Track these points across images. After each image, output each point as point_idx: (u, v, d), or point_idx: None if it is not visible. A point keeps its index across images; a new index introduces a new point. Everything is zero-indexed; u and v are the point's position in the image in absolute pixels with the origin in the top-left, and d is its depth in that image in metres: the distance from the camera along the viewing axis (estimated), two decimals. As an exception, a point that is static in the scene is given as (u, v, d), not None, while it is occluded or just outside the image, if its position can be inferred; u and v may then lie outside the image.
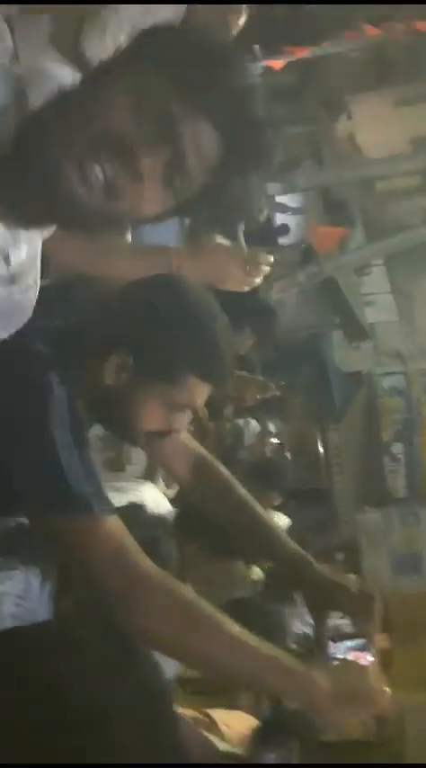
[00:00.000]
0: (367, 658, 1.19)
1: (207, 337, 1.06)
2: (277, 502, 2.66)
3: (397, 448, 4.61)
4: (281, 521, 2.44)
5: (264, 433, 3.89)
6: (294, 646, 1.91)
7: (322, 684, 0.95)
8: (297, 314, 4.64)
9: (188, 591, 1.00)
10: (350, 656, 1.21)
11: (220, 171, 0.77)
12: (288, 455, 4.27)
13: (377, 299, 4.78)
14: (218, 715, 1.81)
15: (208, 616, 0.97)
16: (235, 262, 1.18)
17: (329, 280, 4.49)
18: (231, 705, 1.90)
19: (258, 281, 1.17)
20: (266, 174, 0.82)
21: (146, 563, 0.98)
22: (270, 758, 1.40)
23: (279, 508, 2.90)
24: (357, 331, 4.70)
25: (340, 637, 1.25)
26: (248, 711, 1.92)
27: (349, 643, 1.25)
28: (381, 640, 4.09)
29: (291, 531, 2.88)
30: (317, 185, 4.26)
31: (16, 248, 0.83)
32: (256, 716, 1.90)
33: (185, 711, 1.66)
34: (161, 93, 0.74)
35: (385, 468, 4.62)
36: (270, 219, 3.74)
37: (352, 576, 1.26)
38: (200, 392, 1.09)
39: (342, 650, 1.21)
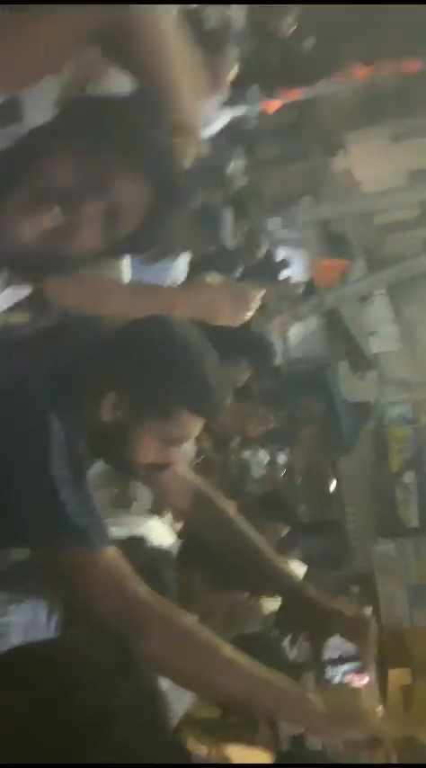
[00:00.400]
0: (360, 680, 1.21)
1: (196, 373, 1.12)
2: (284, 533, 2.66)
3: (408, 477, 4.59)
4: (299, 570, 2.44)
5: (273, 465, 3.90)
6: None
7: (316, 705, 0.98)
8: (302, 346, 4.69)
9: (185, 617, 1.02)
10: (346, 679, 1.23)
11: (150, 213, 0.92)
12: (298, 486, 4.27)
13: (380, 329, 4.82)
14: (234, 752, 1.79)
15: (205, 641, 1.00)
16: (224, 298, 1.22)
17: (332, 311, 4.54)
18: (248, 741, 1.88)
19: (249, 315, 1.21)
20: (184, 213, 0.98)
21: (143, 591, 1.01)
22: None
23: (289, 540, 2.89)
24: (362, 361, 4.73)
25: (337, 661, 1.26)
26: (266, 748, 1.89)
27: (345, 667, 1.27)
28: (401, 675, 4.02)
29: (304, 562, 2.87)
30: (317, 220, 4.35)
31: None
32: (274, 752, 1.88)
33: (199, 749, 1.65)
34: (97, 154, 0.89)
35: (396, 497, 4.58)
36: (270, 254, 3.81)
37: (346, 600, 1.30)
38: (193, 426, 1.13)
39: (340, 674, 1.23)
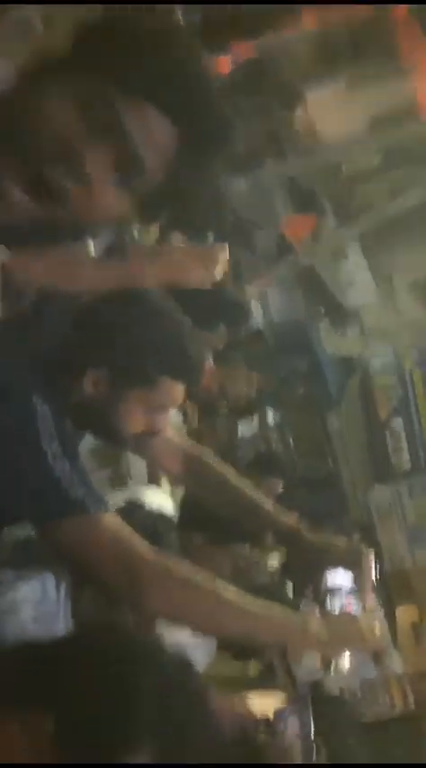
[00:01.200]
0: (357, 605, 1.30)
1: (172, 341, 1.15)
2: (280, 489, 2.71)
3: (397, 423, 4.67)
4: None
5: (264, 427, 3.95)
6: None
7: (318, 633, 1.07)
8: (282, 308, 4.71)
9: (185, 566, 1.07)
10: (346, 609, 1.32)
11: (181, 162, 0.71)
12: (291, 444, 4.33)
13: (357, 283, 4.84)
14: (256, 700, 1.86)
15: (206, 587, 1.06)
16: (191, 259, 1.24)
17: (308, 270, 4.55)
18: (267, 685, 1.94)
19: (219, 274, 1.23)
20: (229, 159, 0.77)
21: (143, 547, 1.06)
22: (293, 722, 1.47)
23: (286, 497, 2.94)
24: (341, 317, 4.76)
25: (335, 593, 1.35)
26: (285, 692, 1.96)
27: (344, 599, 1.35)
28: (409, 612, 4.15)
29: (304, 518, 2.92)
30: (282, 177, 4.33)
31: None
32: (293, 696, 1.94)
33: (222, 701, 1.71)
34: (103, 92, 0.69)
35: (388, 444, 4.67)
36: (239, 216, 3.80)
37: (341, 537, 1.39)
38: (176, 392, 1.18)
39: (339, 605, 1.31)
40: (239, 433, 3.27)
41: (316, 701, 1.94)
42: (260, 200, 4.33)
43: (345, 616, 1.27)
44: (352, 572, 1.33)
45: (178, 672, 0.74)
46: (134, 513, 1.35)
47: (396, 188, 4.44)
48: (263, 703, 1.86)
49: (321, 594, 1.33)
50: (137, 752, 0.68)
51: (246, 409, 3.29)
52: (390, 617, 3.85)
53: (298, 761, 1.43)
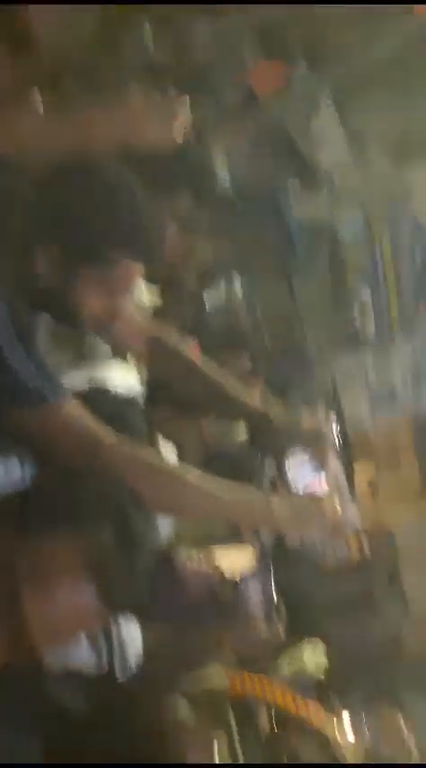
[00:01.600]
0: (322, 488, 1.35)
1: (127, 215, 1.07)
2: (247, 365, 2.69)
3: (364, 293, 4.65)
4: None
5: (231, 298, 3.87)
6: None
7: (282, 512, 1.11)
8: (249, 168, 4.46)
9: (148, 452, 1.09)
10: (308, 483, 1.37)
11: None
12: (259, 315, 4.29)
13: (328, 141, 4.59)
14: (222, 555, 1.92)
15: (170, 471, 1.09)
16: (148, 112, 1.12)
17: (277, 127, 4.28)
18: (232, 541, 2.01)
19: (179, 128, 1.12)
20: None
21: (106, 434, 1.06)
22: (257, 587, 1.55)
23: (254, 371, 2.93)
24: (312, 179, 4.56)
25: (299, 474, 1.39)
26: (250, 545, 2.03)
27: (307, 479, 1.39)
28: (366, 469, 4.42)
29: (271, 387, 2.94)
30: (248, 20, 3.95)
31: None
32: (257, 549, 2.02)
33: (189, 558, 1.76)
34: None
35: (354, 313, 4.68)
36: (200, 65, 3.49)
37: (305, 414, 1.43)
38: (133, 271, 1.12)
39: (303, 486, 1.35)
40: (206, 308, 3.20)
41: (278, 555, 2.04)
42: (226, 48, 3.97)
43: (309, 497, 1.30)
44: (316, 451, 1.36)
45: (142, 527, 0.78)
46: (98, 398, 1.30)
47: (371, 36, 4.11)
48: (231, 560, 1.94)
49: (285, 475, 1.36)
50: None
51: (212, 280, 3.20)
52: (349, 476, 4.06)
53: (261, 623, 1.51)
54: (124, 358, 2.06)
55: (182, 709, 1.35)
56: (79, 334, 1.96)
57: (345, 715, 2.40)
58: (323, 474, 1.37)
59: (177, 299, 2.73)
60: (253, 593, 1.43)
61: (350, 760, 2.11)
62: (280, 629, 1.66)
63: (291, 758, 1.92)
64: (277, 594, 1.50)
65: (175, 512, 1.19)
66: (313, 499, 1.27)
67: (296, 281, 4.79)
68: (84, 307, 1.11)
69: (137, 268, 1.11)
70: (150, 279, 1.47)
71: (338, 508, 1.18)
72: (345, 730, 2.26)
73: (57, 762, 0.77)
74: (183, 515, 1.29)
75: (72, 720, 1.00)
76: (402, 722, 2.83)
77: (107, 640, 1.18)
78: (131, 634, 1.26)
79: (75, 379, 1.41)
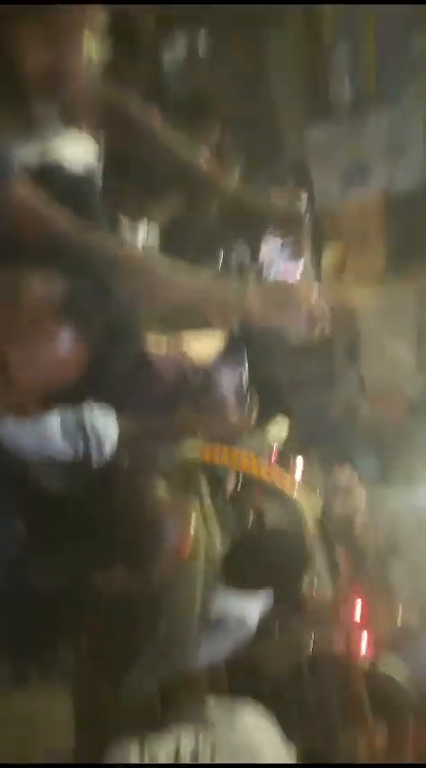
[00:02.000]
0: (294, 274, 1.31)
1: None
2: (215, 136, 2.47)
3: (340, 51, 4.19)
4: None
5: (193, 56, 3.47)
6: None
7: (256, 298, 1.10)
8: None
9: (107, 236, 1.02)
10: (282, 269, 1.32)
11: None
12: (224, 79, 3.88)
13: None
14: (191, 340, 1.93)
15: (139, 261, 1.04)
16: None
17: None
18: (202, 325, 2.00)
19: None
20: None
21: (59, 217, 0.98)
22: (227, 372, 1.58)
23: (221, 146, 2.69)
24: None
25: (272, 260, 1.33)
26: (218, 330, 2.03)
27: (281, 265, 1.34)
28: (335, 250, 4.40)
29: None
30: None
31: None
32: (228, 335, 2.03)
33: (157, 337, 1.77)
34: None
35: (329, 74, 4.26)
36: None
37: (280, 192, 1.36)
38: (80, 17, 0.95)
39: (275, 272, 1.31)
40: (164, 67, 2.85)
41: (244, 338, 2.06)
42: None
43: (281, 283, 1.27)
44: (291, 234, 1.29)
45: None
46: (52, 176, 1.18)
47: None
48: (200, 346, 1.95)
49: (258, 262, 1.31)
50: None
51: (170, 37, 2.80)
52: (317, 256, 4.06)
53: (232, 407, 1.55)
54: (78, 126, 1.85)
55: (160, 488, 1.43)
56: (24, 101, 1.74)
57: (300, 474, 2.65)
58: (296, 260, 1.32)
59: (130, 60, 2.41)
60: (225, 379, 1.46)
61: (307, 514, 2.34)
62: (252, 413, 1.72)
63: (256, 513, 2.12)
64: (248, 380, 1.53)
65: (149, 301, 1.14)
66: (286, 285, 1.23)
67: (265, 37, 4.27)
68: (25, 63, 0.94)
69: (86, 14, 0.93)
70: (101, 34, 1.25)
71: (311, 294, 1.16)
72: (303, 489, 2.48)
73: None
74: (153, 305, 1.24)
75: (53, 500, 1.05)
76: (354, 476, 3.15)
77: (82, 432, 1.21)
78: (107, 424, 1.29)
79: (23, 154, 1.27)
